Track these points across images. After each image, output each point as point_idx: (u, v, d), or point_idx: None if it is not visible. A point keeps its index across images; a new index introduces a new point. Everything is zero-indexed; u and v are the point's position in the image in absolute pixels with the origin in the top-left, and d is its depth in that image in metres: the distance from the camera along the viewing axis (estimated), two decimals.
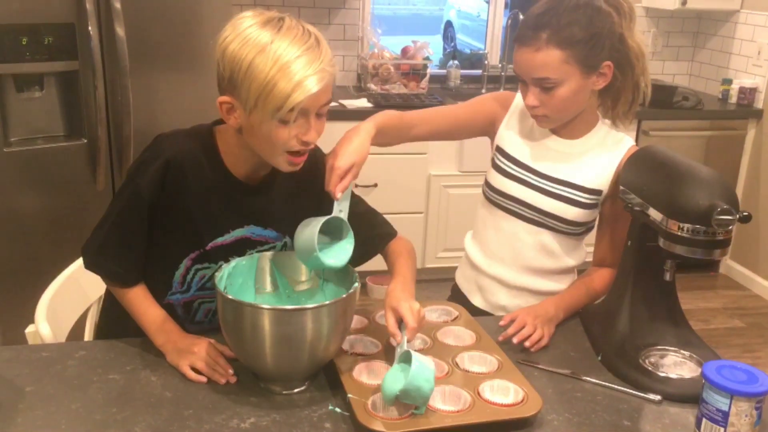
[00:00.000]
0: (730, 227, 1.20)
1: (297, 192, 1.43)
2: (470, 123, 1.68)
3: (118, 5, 2.40)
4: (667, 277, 1.34)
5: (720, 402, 1.13)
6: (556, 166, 1.57)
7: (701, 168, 1.28)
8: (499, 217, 1.63)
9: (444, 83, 4.04)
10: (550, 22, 1.43)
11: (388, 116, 1.49)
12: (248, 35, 1.21)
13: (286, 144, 1.25)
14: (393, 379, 1.16)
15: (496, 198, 1.62)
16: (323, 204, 1.45)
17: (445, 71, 4.08)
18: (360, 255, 1.36)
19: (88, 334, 1.61)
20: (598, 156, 1.56)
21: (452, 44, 7.96)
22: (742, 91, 3.86)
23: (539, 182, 1.57)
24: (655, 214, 1.30)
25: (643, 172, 1.39)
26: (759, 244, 3.85)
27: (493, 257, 1.65)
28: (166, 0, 2.55)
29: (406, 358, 1.19)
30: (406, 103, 3.52)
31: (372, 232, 1.47)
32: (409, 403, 1.15)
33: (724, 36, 4.09)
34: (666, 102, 3.72)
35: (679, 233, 1.24)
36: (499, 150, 1.64)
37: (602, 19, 1.44)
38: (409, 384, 1.12)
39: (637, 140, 3.74)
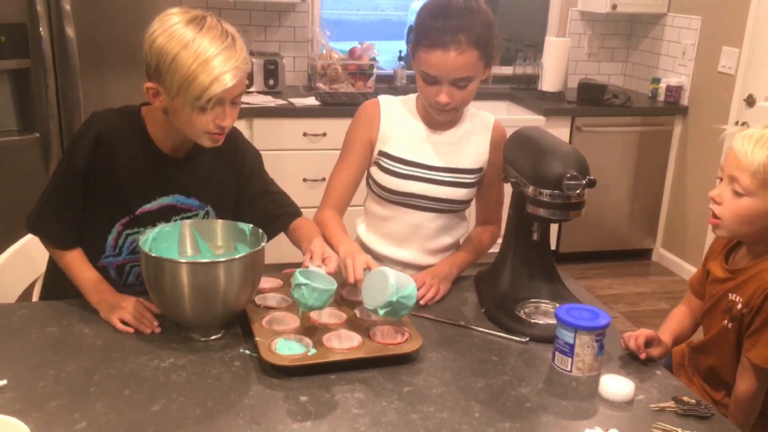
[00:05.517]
0: (578, 191, 1.41)
1: (219, 166, 1.62)
2: (365, 162, 1.77)
3: (68, 7, 2.56)
4: (535, 237, 1.55)
5: (567, 336, 1.34)
6: (441, 156, 1.74)
7: (563, 145, 1.50)
8: (401, 213, 1.77)
9: (391, 83, 4.25)
10: (462, 25, 1.55)
11: (323, 222, 1.69)
12: (174, 31, 1.39)
13: (205, 127, 1.44)
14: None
15: (394, 198, 1.75)
16: (242, 177, 1.64)
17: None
18: (271, 231, 1.58)
19: None
20: (474, 139, 1.76)
21: None
22: (669, 89, 4.12)
23: (430, 174, 1.73)
24: (524, 184, 1.51)
25: (518, 149, 1.60)
26: (686, 232, 4.11)
27: (399, 245, 1.80)
28: (115, 2, 2.71)
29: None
30: (352, 101, 3.71)
31: (281, 210, 1.67)
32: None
33: (653, 38, 4.36)
34: (597, 100, 3.97)
35: (540, 198, 1.45)
36: (384, 154, 1.75)
37: (490, 15, 1.63)
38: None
39: (570, 136, 3.98)
